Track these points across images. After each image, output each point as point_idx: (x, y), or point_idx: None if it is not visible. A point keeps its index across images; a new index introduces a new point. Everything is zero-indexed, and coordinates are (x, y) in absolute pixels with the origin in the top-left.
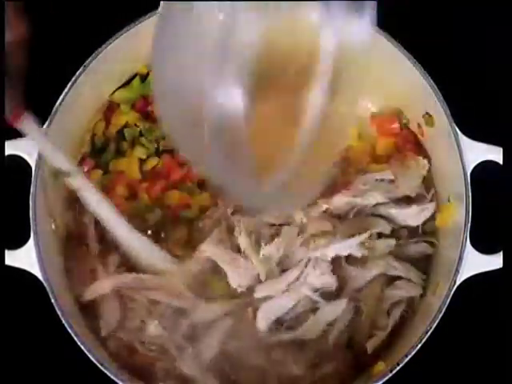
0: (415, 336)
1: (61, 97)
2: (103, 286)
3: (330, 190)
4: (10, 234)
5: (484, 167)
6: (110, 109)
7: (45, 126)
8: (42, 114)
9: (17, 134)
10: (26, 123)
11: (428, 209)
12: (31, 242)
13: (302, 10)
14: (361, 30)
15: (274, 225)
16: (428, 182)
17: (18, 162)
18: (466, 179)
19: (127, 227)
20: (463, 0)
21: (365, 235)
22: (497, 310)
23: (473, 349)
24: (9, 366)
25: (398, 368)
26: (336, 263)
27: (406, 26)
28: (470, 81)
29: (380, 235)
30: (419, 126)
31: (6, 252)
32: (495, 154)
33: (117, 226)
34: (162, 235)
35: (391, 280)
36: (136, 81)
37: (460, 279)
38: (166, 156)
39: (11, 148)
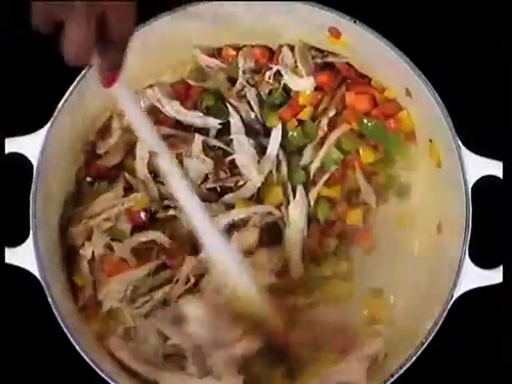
0: (410, 349)
1: (64, 97)
2: None
3: None
4: (8, 231)
5: (484, 181)
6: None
7: (47, 126)
8: (45, 113)
9: (17, 132)
10: (120, 89)
11: None
12: (30, 240)
13: None
14: None
15: None
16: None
17: (18, 160)
18: (466, 193)
19: (208, 221)
20: (467, 14)
21: None
22: (496, 325)
23: (468, 363)
24: (7, 365)
25: (391, 380)
26: None
27: (413, 38)
28: (470, 92)
29: None
30: None
31: (6, 249)
32: (496, 169)
33: (198, 219)
34: None
35: None
36: None
37: (457, 293)
38: None
39: (11, 146)
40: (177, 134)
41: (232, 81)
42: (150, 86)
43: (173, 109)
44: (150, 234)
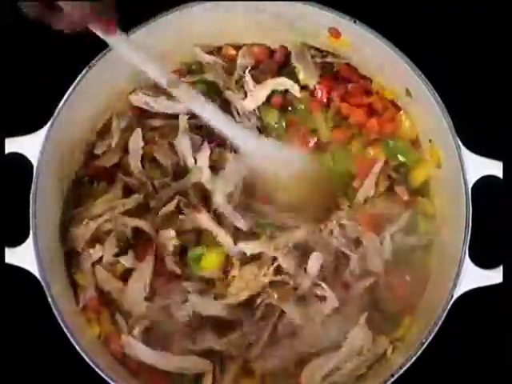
0: (410, 348)
1: (64, 97)
2: None
3: None
4: (8, 231)
5: (484, 181)
6: None
7: (47, 126)
8: (45, 113)
9: (17, 132)
10: (115, 34)
11: None
12: (30, 240)
13: None
14: None
15: None
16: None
17: (18, 160)
18: (466, 193)
19: (234, 124)
20: (467, 14)
21: None
22: (496, 325)
23: (468, 363)
24: (7, 365)
25: (391, 380)
26: None
27: (413, 38)
28: (470, 92)
29: None
30: None
31: (6, 249)
32: (496, 169)
33: (225, 125)
34: None
35: None
36: None
37: (457, 293)
38: None
39: (11, 146)
40: (169, 123)
41: (230, 74)
42: (133, 91)
43: (161, 105)
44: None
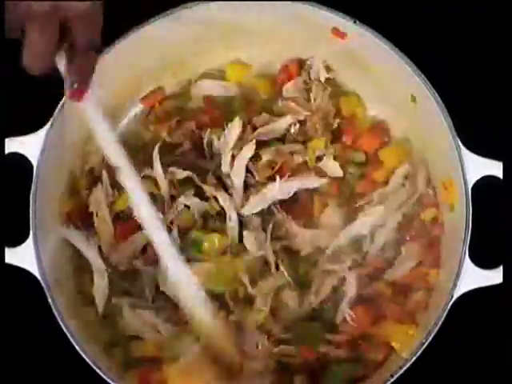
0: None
1: (64, 98)
2: None
3: None
4: (8, 231)
5: (484, 181)
6: None
7: (47, 126)
8: (45, 113)
9: (17, 131)
10: (86, 103)
11: None
12: (30, 240)
13: None
14: None
15: None
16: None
17: (18, 160)
18: (466, 194)
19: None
20: (467, 14)
21: None
22: (496, 325)
23: (468, 363)
24: (7, 365)
25: (391, 380)
26: None
27: (413, 38)
28: (470, 92)
29: None
30: None
31: (6, 249)
32: (496, 169)
33: (158, 238)
34: None
35: None
36: None
37: (457, 293)
38: None
39: (11, 146)
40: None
41: None
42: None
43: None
44: None
